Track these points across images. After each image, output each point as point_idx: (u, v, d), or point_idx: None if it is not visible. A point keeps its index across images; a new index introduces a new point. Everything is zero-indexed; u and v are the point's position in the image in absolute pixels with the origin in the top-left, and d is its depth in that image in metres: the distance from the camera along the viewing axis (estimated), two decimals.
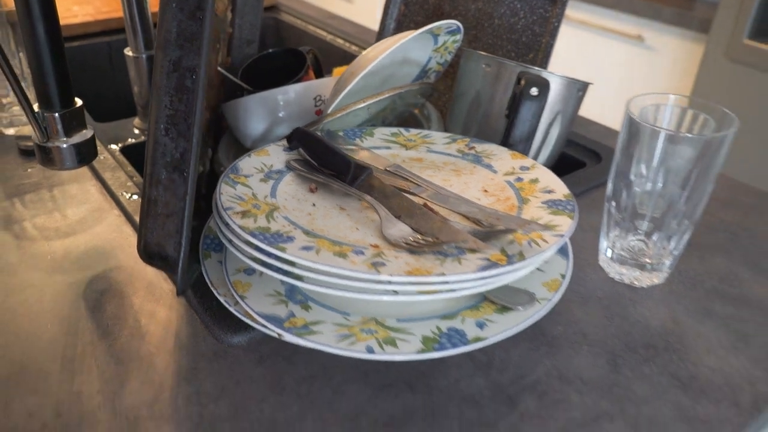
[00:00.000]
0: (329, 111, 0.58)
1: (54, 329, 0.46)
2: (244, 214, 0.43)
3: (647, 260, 0.52)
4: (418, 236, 0.43)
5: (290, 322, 0.41)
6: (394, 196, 0.46)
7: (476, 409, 0.41)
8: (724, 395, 0.43)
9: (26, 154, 0.70)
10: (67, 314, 0.48)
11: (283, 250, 0.39)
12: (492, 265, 0.39)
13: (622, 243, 0.52)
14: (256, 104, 0.65)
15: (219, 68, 0.66)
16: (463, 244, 0.41)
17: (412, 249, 0.41)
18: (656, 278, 0.53)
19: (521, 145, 0.59)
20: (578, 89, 0.64)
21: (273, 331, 0.41)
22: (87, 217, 0.60)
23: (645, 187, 0.49)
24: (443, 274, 0.38)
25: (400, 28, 0.88)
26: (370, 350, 0.39)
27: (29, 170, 0.67)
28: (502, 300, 0.43)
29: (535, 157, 0.66)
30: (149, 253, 0.43)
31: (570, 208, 0.46)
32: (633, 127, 0.48)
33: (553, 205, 0.47)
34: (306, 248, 0.40)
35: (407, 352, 0.39)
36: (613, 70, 1.59)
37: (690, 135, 0.48)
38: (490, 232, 0.43)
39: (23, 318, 0.47)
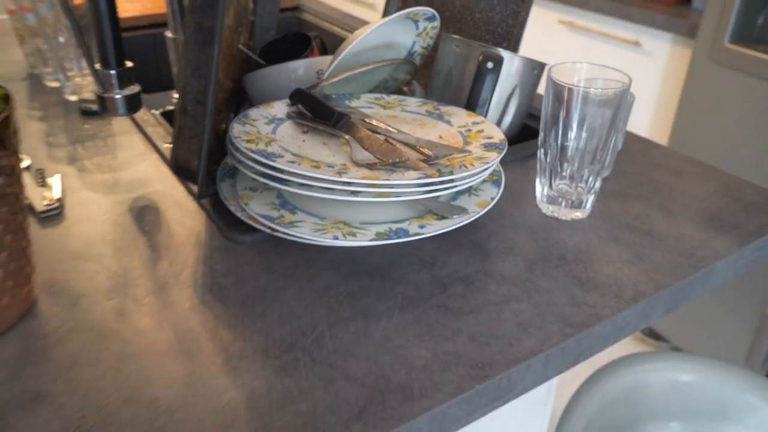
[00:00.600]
0: (324, 77, 0.73)
1: (108, 228, 0.62)
2: (249, 141, 0.58)
3: (571, 198, 0.65)
4: (376, 160, 0.57)
5: (280, 220, 0.55)
6: (364, 134, 0.61)
7: (416, 290, 0.55)
8: (611, 290, 0.56)
9: (85, 114, 0.86)
10: (117, 219, 0.63)
11: (274, 161, 0.54)
12: (428, 177, 0.53)
13: (551, 185, 0.65)
14: (270, 75, 0.80)
15: (241, 47, 0.81)
16: (407, 163, 0.55)
17: (370, 167, 0.55)
18: (580, 213, 0.66)
19: (479, 109, 0.73)
20: (533, 68, 0.77)
21: (267, 226, 0.56)
22: (132, 158, 0.75)
23: (567, 138, 0.62)
24: (389, 179, 0.52)
25: None
26: (336, 238, 0.53)
27: (86, 126, 0.83)
28: (440, 211, 0.57)
29: (498, 124, 0.79)
30: (178, 167, 0.58)
31: (501, 147, 0.60)
32: (555, 88, 0.61)
33: (489, 146, 0.60)
34: (291, 162, 0.54)
35: (362, 240, 0.53)
36: None
37: (594, 90, 0.61)
38: (432, 160, 0.57)
39: (87, 222, 0.63)
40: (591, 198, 0.65)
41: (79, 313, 0.51)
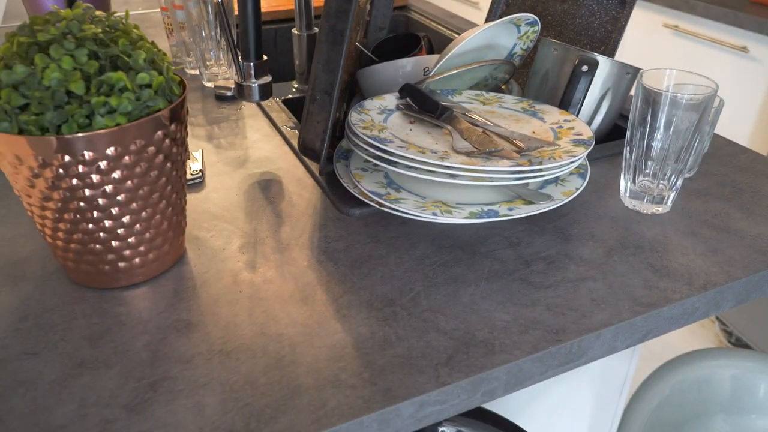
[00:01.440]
0: (430, 74, 0.81)
1: (240, 198, 0.73)
2: (364, 127, 0.67)
3: (652, 194, 0.70)
4: (474, 149, 0.64)
5: (386, 197, 0.64)
6: (464, 126, 0.68)
7: (501, 264, 0.62)
8: (683, 278, 0.61)
9: (220, 99, 0.99)
10: (248, 190, 0.74)
11: (385, 145, 0.62)
12: (519, 165, 0.60)
13: (634, 181, 0.70)
14: (382, 71, 0.89)
15: (357, 44, 0.91)
16: (501, 152, 0.62)
17: (469, 154, 0.63)
18: (660, 209, 0.70)
19: (571, 109, 0.79)
20: (627, 72, 0.82)
21: (375, 201, 0.65)
22: (259, 139, 0.87)
23: (652, 138, 0.67)
24: (484, 166, 0.60)
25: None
26: (434, 214, 0.61)
27: (221, 109, 0.96)
28: (528, 197, 0.64)
29: (590, 123, 0.84)
30: (304, 147, 0.68)
31: (588, 143, 0.66)
32: (644, 91, 0.66)
33: (577, 141, 0.67)
34: (400, 147, 0.63)
35: (457, 217, 0.61)
36: (718, 78, 1.68)
37: (681, 95, 0.66)
38: (524, 151, 0.64)
39: (224, 190, 0.74)
40: (672, 195, 0.70)
41: (218, 263, 0.62)
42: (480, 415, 0.72)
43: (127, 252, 0.56)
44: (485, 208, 0.63)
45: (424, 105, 0.74)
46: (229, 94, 0.97)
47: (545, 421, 1.02)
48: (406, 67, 0.90)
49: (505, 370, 0.51)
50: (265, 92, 0.80)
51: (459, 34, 1.33)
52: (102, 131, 0.48)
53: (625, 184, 0.72)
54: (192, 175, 0.75)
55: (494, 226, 0.68)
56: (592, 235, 0.67)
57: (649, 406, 0.74)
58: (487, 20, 1.11)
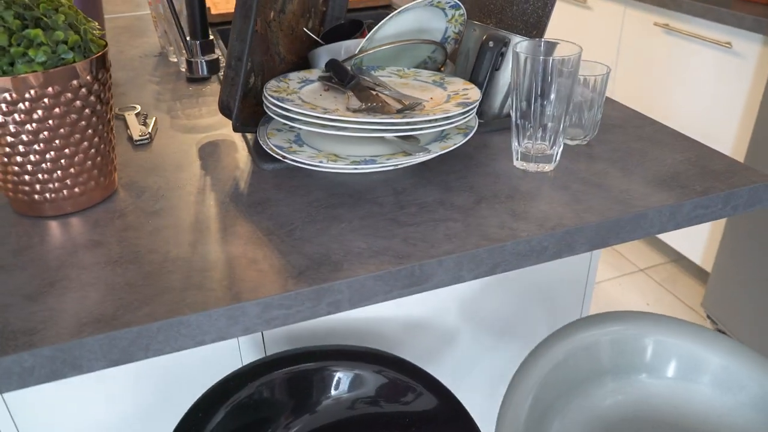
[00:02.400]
0: (356, 52, 0.90)
1: (178, 155, 0.84)
2: (275, 91, 0.77)
3: (537, 154, 0.76)
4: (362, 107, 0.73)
5: (288, 149, 0.74)
6: (364, 92, 0.77)
7: (379, 207, 0.70)
8: (537, 221, 0.67)
9: (190, 81, 1.11)
10: (187, 150, 0.85)
11: (283, 103, 0.72)
12: (392, 118, 0.69)
13: (520, 142, 0.77)
14: (326, 51, 0.99)
15: (305, 30, 1.01)
16: (381, 108, 0.71)
17: (356, 111, 0.72)
18: (546, 167, 0.77)
19: (480, 80, 0.86)
20: (540, 47, 0.88)
21: (279, 154, 0.74)
22: (212, 111, 0.98)
23: (529, 102, 0.74)
24: (359, 118, 0.68)
25: None
26: (321, 162, 0.70)
27: (189, 89, 1.08)
28: (409, 150, 0.72)
29: (505, 97, 0.91)
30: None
31: (470, 104, 0.73)
32: (517, 59, 0.73)
33: (461, 104, 0.74)
34: (297, 105, 0.72)
35: (341, 165, 0.70)
36: (702, 72, 1.70)
37: (544, 58, 0.72)
38: (407, 109, 0.73)
39: (166, 150, 0.86)
40: (555, 154, 0.76)
41: (140, 202, 0.73)
42: (380, 358, 0.80)
43: (55, 185, 0.68)
44: (367, 158, 0.71)
45: (340, 76, 0.83)
46: (197, 76, 1.09)
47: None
48: (350, 47, 0.99)
49: (347, 284, 0.60)
50: (213, 68, 0.92)
51: None
52: (21, 75, 0.60)
53: (514, 146, 0.79)
54: (140, 137, 0.87)
55: (387, 179, 0.76)
56: (471, 187, 0.74)
57: (543, 370, 0.80)
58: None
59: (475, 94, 0.78)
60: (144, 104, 1.01)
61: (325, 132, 0.70)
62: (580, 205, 0.70)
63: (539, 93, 0.73)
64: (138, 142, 0.87)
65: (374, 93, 0.77)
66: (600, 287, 2.11)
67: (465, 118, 0.74)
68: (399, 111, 0.72)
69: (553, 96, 0.73)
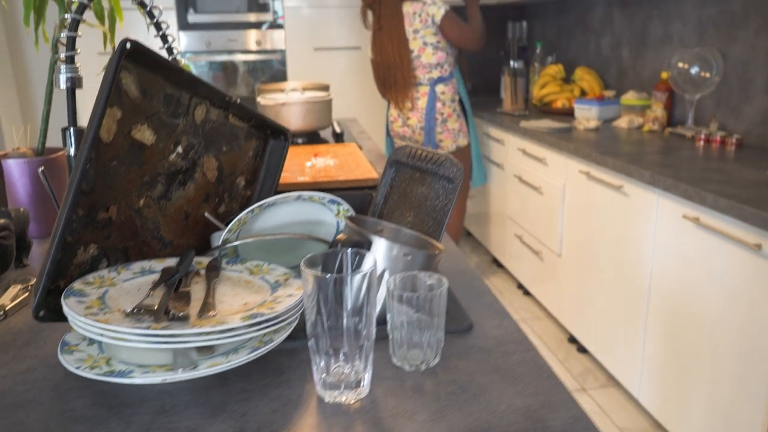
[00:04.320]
0: (220, 243, 0.86)
1: None
2: (86, 283, 0.73)
3: (350, 380, 0.64)
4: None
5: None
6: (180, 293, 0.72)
7: (126, 427, 0.61)
8: None
9: None
10: None
11: (70, 296, 0.68)
12: (152, 330, 0.62)
13: (328, 370, 0.65)
14: (218, 237, 0.97)
15: (207, 215, 0.99)
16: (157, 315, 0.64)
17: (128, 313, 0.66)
18: (362, 393, 0.64)
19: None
20: (404, 253, 0.79)
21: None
22: None
23: (333, 323, 0.63)
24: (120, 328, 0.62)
25: (385, 203, 1.10)
26: (79, 367, 0.64)
27: None
28: (177, 363, 0.64)
29: None
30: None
31: (264, 317, 0.65)
32: (310, 279, 0.63)
33: (255, 315, 0.66)
34: (77, 301, 0.68)
35: (96, 373, 0.63)
36: (728, 273, 1.47)
37: (341, 276, 0.61)
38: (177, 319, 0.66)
39: None
40: (368, 374, 0.64)
41: None
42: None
43: None
44: (132, 366, 0.64)
45: (175, 270, 0.79)
46: None
47: None
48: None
49: None
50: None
51: None
52: None
53: (319, 377, 0.66)
54: None
55: (166, 391, 0.67)
56: (243, 414, 0.63)
57: None
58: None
59: (280, 306, 0.69)
60: None
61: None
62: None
63: (335, 310, 0.63)
64: None
65: (187, 292, 0.72)
66: None
67: (235, 335, 0.64)
68: (172, 319, 0.65)
69: (356, 311, 0.62)
